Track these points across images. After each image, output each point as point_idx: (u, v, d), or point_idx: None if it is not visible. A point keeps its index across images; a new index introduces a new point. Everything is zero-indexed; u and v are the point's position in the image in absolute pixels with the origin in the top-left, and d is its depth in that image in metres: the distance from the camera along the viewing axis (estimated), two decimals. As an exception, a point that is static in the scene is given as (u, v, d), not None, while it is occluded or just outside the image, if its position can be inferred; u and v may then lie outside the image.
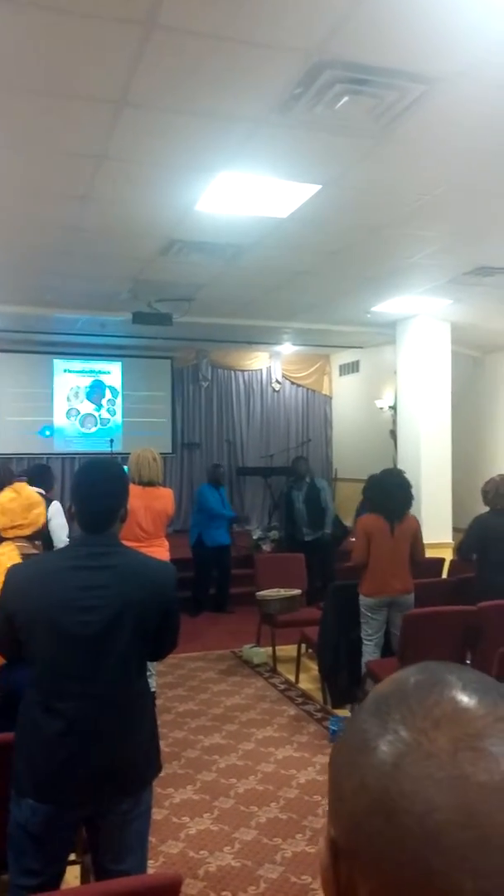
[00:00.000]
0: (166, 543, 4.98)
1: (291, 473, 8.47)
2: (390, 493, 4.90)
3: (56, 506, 4.97)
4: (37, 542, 2.65)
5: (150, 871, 2.42)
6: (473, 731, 0.48)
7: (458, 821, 0.45)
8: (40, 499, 2.70)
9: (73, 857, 2.31)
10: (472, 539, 5.16)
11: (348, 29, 2.58)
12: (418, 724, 0.49)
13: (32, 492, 2.68)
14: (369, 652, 4.88)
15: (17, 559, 2.46)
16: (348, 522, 8.72)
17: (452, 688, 0.51)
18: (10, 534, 2.58)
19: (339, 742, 0.54)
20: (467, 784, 0.46)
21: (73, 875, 2.55)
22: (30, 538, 2.63)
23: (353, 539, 5.07)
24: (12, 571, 2.15)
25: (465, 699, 0.50)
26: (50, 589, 2.03)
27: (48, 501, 5.52)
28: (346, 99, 3.00)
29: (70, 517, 2.18)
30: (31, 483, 5.80)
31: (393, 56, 2.75)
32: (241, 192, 4.12)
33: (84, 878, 2.53)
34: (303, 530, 7.86)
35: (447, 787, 0.46)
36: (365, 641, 4.91)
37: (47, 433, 10.21)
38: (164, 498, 4.97)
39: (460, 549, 5.37)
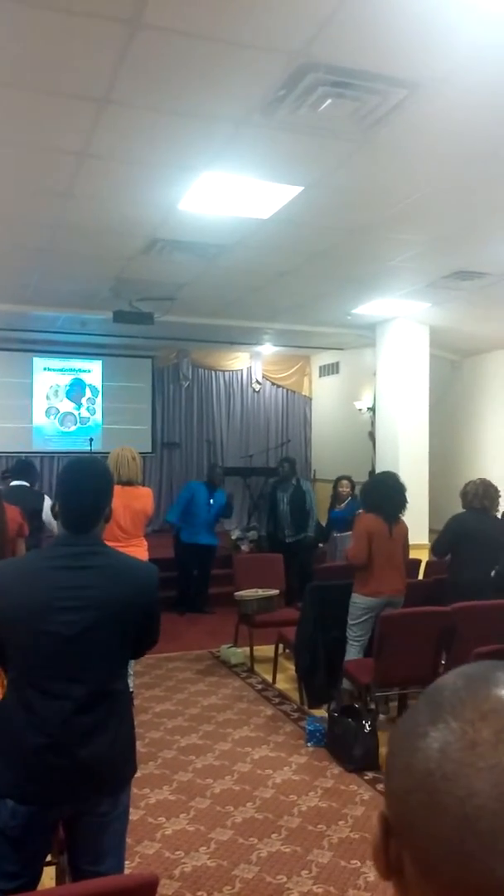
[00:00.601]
0: (145, 543, 4.98)
1: (277, 474, 8.42)
2: (390, 495, 4.94)
3: (48, 503, 5.01)
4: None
5: (126, 871, 2.41)
6: None
7: (494, 808, 0.48)
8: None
9: (48, 858, 2.30)
10: (448, 536, 5.21)
11: (332, 32, 2.59)
12: (467, 715, 0.53)
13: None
14: (353, 653, 4.89)
15: None
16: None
17: (502, 685, 0.55)
18: None
19: (396, 726, 0.59)
20: None
21: (48, 876, 2.54)
22: None
23: (352, 538, 5.07)
24: None
25: None
26: (31, 588, 2.02)
27: (41, 497, 5.49)
28: (329, 101, 3.01)
29: (55, 516, 2.16)
30: (17, 478, 5.76)
31: (376, 60, 2.77)
32: (223, 193, 4.12)
33: (59, 879, 2.51)
34: (285, 531, 7.84)
35: (487, 775, 0.49)
36: (351, 642, 4.91)
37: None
38: (144, 497, 4.96)
39: (435, 547, 5.42)
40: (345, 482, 7.71)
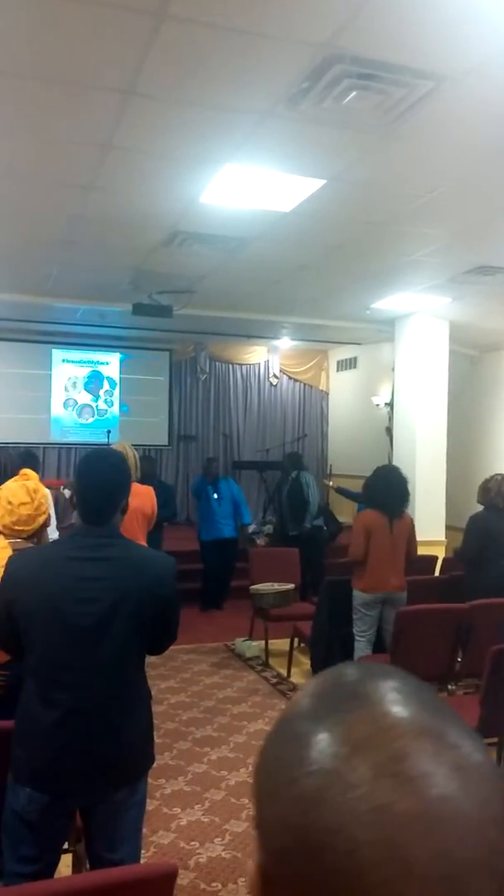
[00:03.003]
0: (143, 545, 4.85)
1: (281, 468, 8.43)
2: (391, 491, 4.91)
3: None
4: (34, 541, 2.63)
5: (142, 860, 2.43)
6: (393, 753, 0.45)
7: (381, 857, 0.43)
8: (47, 503, 2.67)
9: (66, 845, 2.32)
10: (473, 541, 5.14)
11: (359, 23, 2.57)
12: (339, 751, 0.46)
13: (45, 494, 2.65)
14: (361, 648, 4.89)
15: (9, 554, 2.46)
16: (343, 518, 8.74)
17: (372, 702, 0.48)
18: (9, 531, 2.57)
19: (259, 763, 0.51)
20: (389, 815, 0.44)
21: (64, 864, 2.56)
22: (28, 538, 2.62)
23: (351, 534, 5.07)
24: (12, 560, 2.15)
25: (384, 714, 0.48)
26: (50, 579, 2.03)
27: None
28: (353, 94, 2.99)
29: (72, 506, 2.18)
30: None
31: (403, 52, 2.75)
32: (245, 185, 4.11)
33: (76, 867, 2.54)
34: (288, 525, 7.84)
35: (368, 821, 0.44)
36: (357, 638, 4.92)
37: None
38: (141, 496, 4.73)
39: (463, 553, 5.33)
40: None
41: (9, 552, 2.46)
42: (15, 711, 2.09)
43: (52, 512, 4.81)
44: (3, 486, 2.68)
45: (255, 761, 0.52)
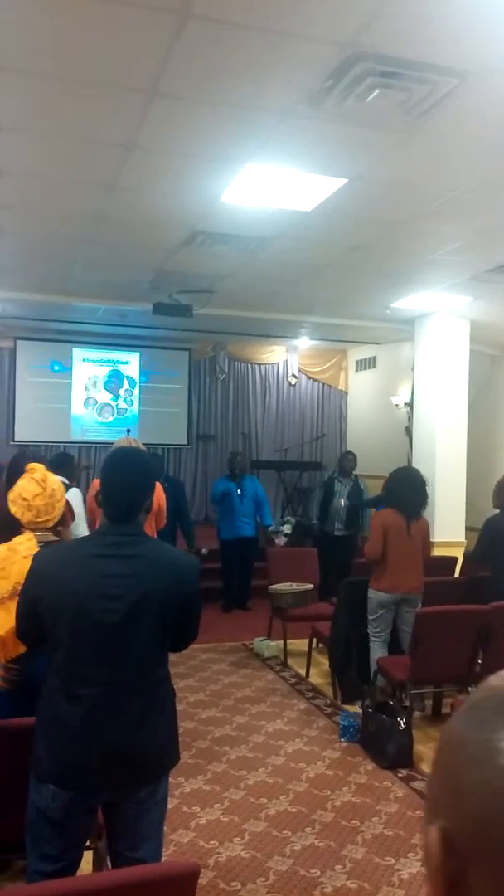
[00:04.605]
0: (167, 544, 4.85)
1: (338, 467, 8.20)
2: (411, 492, 4.89)
3: (74, 494, 4.92)
4: (59, 528, 2.65)
5: (162, 859, 2.43)
6: None
7: None
8: (63, 490, 2.69)
9: (87, 843, 2.33)
10: (485, 545, 5.14)
11: (382, 21, 2.56)
12: None
13: (56, 482, 2.66)
14: (376, 649, 4.88)
15: (36, 549, 2.47)
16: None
17: None
18: (33, 526, 2.59)
19: (453, 736, 0.53)
20: None
21: (85, 860, 2.57)
22: (51, 529, 2.63)
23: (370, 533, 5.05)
24: (39, 556, 2.17)
25: None
26: (76, 575, 2.05)
27: (66, 488, 5.46)
28: (376, 92, 2.97)
29: (98, 504, 2.19)
30: (56, 472, 5.72)
31: (425, 49, 2.73)
32: (266, 185, 4.10)
33: (97, 864, 2.55)
34: (335, 524, 7.75)
35: None
36: (373, 638, 4.91)
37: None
38: None
39: (474, 556, 5.35)
40: None
41: (35, 547, 2.48)
42: (24, 708, 2.10)
43: (81, 510, 4.82)
44: (14, 485, 2.69)
45: (445, 734, 0.54)
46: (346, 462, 8.03)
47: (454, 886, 0.51)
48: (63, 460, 5.79)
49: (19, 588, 2.31)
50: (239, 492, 7.62)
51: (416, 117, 3.23)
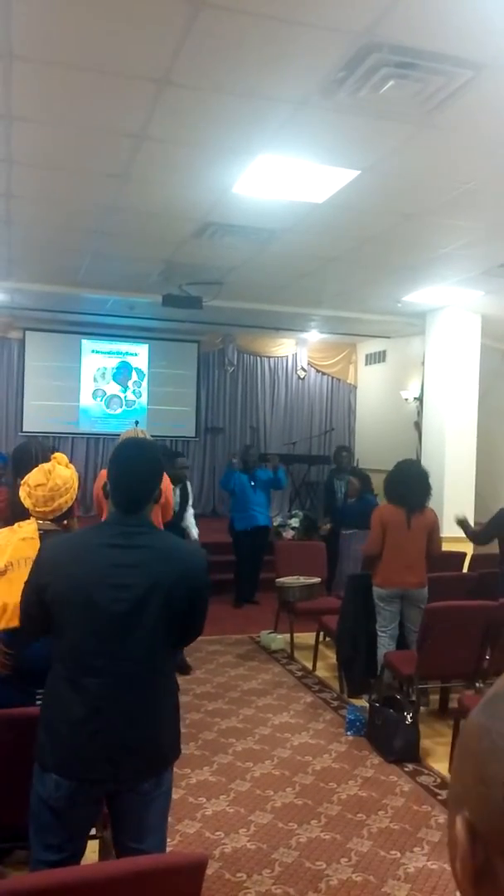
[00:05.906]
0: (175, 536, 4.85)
1: (334, 462, 8.17)
2: (409, 485, 4.84)
3: None
4: (65, 522, 2.65)
5: (168, 849, 2.44)
6: None
7: None
8: (71, 484, 2.68)
9: (92, 831, 2.33)
10: (492, 528, 5.17)
11: (397, 11, 2.53)
12: None
13: (64, 477, 2.66)
14: (384, 644, 4.87)
15: (35, 534, 2.48)
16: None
17: None
18: (35, 514, 2.60)
19: (474, 727, 0.54)
20: None
21: (91, 850, 2.58)
22: (54, 521, 2.63)
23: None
24: (46, 545, 2.17)
25: None
26: (84, 564, 2.04)
27: None
28: (391, 83, 2.95)
29: (105, 495, 2.18)
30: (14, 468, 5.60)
31: (441, 40, 2.70)
32: (278, 176, 4.08)
33: (103, 854, 2.56)
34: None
35: None
36: (379, 633, 4.89)
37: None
38: None
39: (478, 536, 5.37)
40: None
41: (34, 532, 2.49)
42: (29, 698, 2.10)
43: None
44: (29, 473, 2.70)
45: (466, 725, 0.56)
46: (340, 458, 8.00)
47: (481, 875, 0.52)
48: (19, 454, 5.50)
49: (10, 568, 2.33)
50: (252, 483, 7.63)
51: (431, 109, 3.21)
